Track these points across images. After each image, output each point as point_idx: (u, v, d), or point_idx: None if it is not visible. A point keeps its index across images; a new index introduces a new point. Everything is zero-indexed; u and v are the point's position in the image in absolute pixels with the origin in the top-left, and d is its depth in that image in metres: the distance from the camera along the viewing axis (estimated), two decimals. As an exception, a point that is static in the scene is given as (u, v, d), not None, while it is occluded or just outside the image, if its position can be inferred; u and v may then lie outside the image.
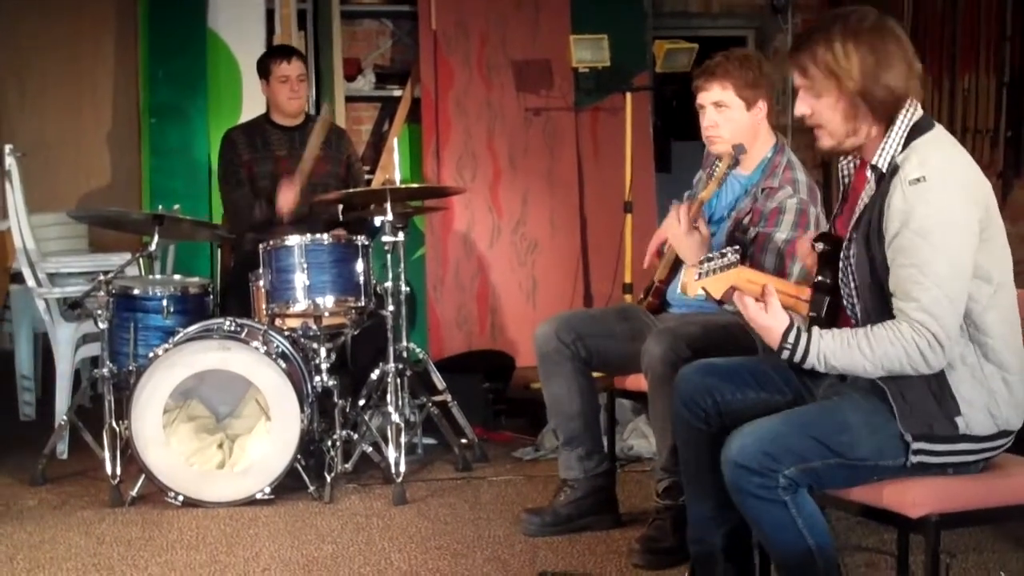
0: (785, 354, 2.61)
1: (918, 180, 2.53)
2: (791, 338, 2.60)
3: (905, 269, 2.54)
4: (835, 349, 2.58)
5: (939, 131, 2.66)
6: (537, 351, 3.89)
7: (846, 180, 2.85)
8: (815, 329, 2.62)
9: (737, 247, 2.72)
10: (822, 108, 2.66)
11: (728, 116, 3.68)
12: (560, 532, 3.87)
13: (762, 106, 3.69)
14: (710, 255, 2.66)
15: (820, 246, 2.76)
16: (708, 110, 3.71)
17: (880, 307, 2.62)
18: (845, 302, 2.72)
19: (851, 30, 2.62)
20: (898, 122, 2.63)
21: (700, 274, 2.64)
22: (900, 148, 2.61)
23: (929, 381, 2.60)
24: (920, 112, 2.65)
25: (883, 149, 2.63)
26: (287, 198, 5.03)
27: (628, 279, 5.90)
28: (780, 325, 2.62)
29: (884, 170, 2.62)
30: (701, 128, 3.76)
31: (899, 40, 2.64)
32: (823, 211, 3.67)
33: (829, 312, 2.73)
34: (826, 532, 2.65)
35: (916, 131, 2.62)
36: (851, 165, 2.84)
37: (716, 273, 2.64)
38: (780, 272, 3.45)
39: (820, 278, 2.75)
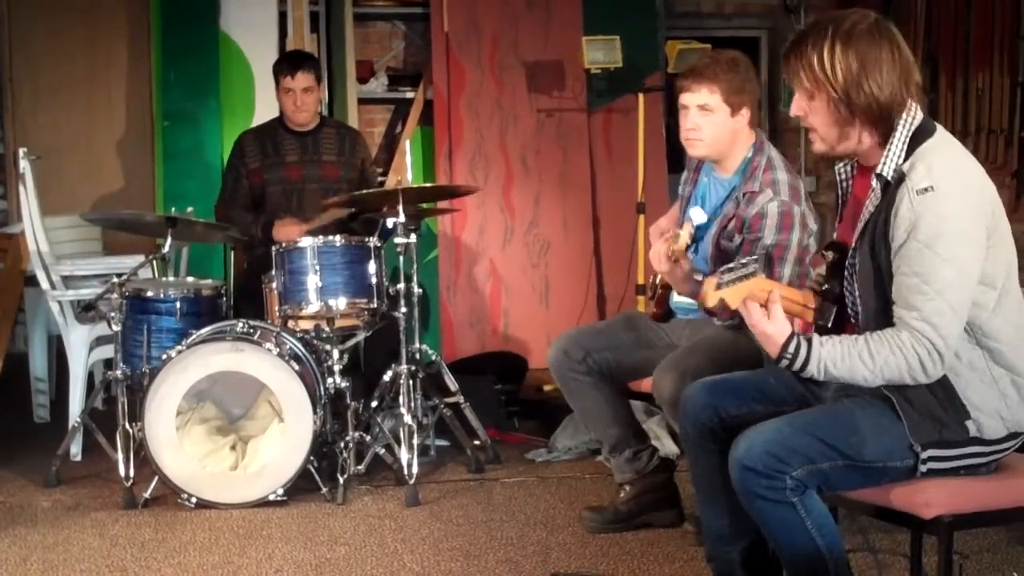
0: (784, 363, 2.58)
1: (926, 190, 2.49)
2: (791, 347, 2.56)
3: (909, 278, 2.51)
4: (835, 357, 2.55)
5: (942, 135, 2.62)
6: (554, 374, 3.93)
7: (844, 185, 2.82)
8: (815, 337, 2.58)
9: (756, 257, 2.68)
10: (812, 111, 2.62)
11: (711, 120, 3.61)
12: (621, 529, 3.91)
13: (745, 113, 3.63)
14: (730, 265, 2.62)
15: (829, 255, 2.73)
16: (691, 112, 3.63)
17: (883, 316, 2.59)
18: (849, 311, 2.69)
19: (843, 34, 2.55)
20: (899, 129, 2.58)
21: (720, 284, 2.60)
22: (903, 155, 2.57)
23: (935, 390, 2.58)
24: (921, 116, 2.60)
25: (887, 157, 2.58)
26: (289, 234, 4.95)
27: (641, 280, 5.90)
28: (781, 333, 2.57)
29: (889, 179, 2.57)
30: (680, 129, 3.69)
31: (894, 46, 2.57)
32: (810, 206, 3.63)
33: (835, 321, 2.70)
34: (835, 533, 2.63)
35: (919, 136, 2.58)
36: (848, 169, 2.80)
37: (735, 284, 2.60)
38: (770, 275, 3.39)
39: (827, 286, 2.72)
